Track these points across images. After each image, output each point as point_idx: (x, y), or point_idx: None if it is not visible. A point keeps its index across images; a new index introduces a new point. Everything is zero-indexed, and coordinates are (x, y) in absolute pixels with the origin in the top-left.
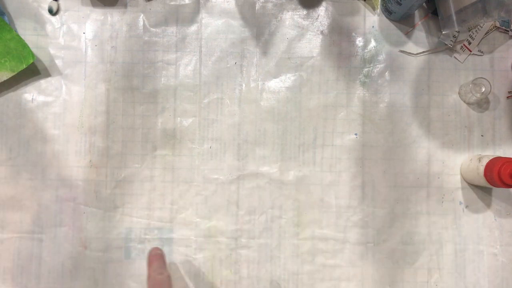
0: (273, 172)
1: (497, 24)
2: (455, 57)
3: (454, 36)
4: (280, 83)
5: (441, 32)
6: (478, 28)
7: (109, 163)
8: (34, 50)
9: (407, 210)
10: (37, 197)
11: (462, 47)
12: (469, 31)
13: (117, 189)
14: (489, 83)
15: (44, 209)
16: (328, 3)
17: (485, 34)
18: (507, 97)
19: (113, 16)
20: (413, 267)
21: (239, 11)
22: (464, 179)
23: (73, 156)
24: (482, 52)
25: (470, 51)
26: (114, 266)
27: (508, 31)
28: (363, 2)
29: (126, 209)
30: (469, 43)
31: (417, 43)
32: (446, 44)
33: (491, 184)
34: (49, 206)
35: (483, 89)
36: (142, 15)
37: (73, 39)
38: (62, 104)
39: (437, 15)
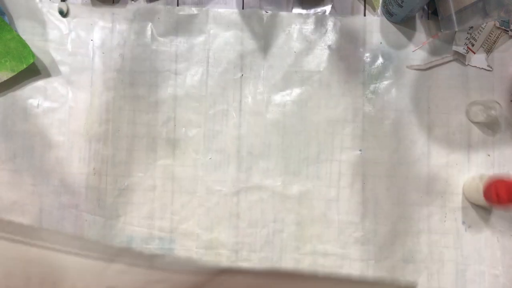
0: (276, 185)
1: (497, 24)
2: (460, 60)
3: (467, 42)
4: (286, 97)
5: (441, 31)
6: (480, 30)
7: (113, 171)
8: (41, 56)
9: (409, 228)
10: (39, 202)
11: (466, 49)
12: (473, 37)
13: (119, 198)
14: (500, 106)
15: (46, 214)
16: (336, 19)
17: (488, 35)
18: (511, 101)
19: (121, 24)
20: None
21: (247, 23)
22: (466, 198)
23: (77, 163)
24: (491, 67)
25: (474, 53)
26: None
27: (508, 31)
28: (370, 18)
29: (128, 218)
30: (472, 45)
31: (425, 60)
32: (457, 52)
33: (489, 203)
34: (51, 212)
35: (493, 112)
36: (150, 24)
37: (81, 46)
38: (67, 111)
39: (437, 15)
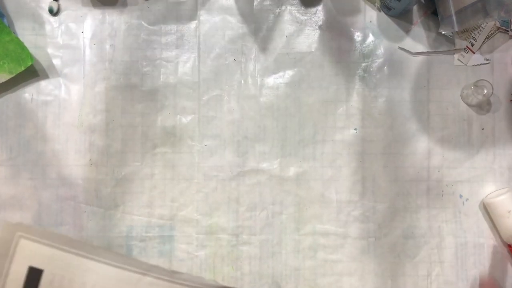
0: (273, 168)
1: (497, 24)
2: (459, 60)
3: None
4: (279, 79)
5: (441, 32)
6: (480, 30)
7: (109, 161)
8: (32, 51)
9: (407, 204)
10: (37, 196)
11: (465, 49)
12: (473, 37)
13: (117, 188)
14: (491, 85)
15: (45, 208)
16: None
17: (488, 35)
18: (511, 100)
19: (112, 15)
20: (414, 261)
21: (237, 7)
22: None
23: (73, 155)
24: (488, 60)
25: (474, 53)
26: None
27: (508, 31)
28: None
29: (126, 207)
30: (472, 45)
31: (416, 39)
32: (447, 42)
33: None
34: (50, 205)
35: (485, 91)
36: (140, 13)
37: (72, 38)
38: (61, 103)
39: (437, 15)
